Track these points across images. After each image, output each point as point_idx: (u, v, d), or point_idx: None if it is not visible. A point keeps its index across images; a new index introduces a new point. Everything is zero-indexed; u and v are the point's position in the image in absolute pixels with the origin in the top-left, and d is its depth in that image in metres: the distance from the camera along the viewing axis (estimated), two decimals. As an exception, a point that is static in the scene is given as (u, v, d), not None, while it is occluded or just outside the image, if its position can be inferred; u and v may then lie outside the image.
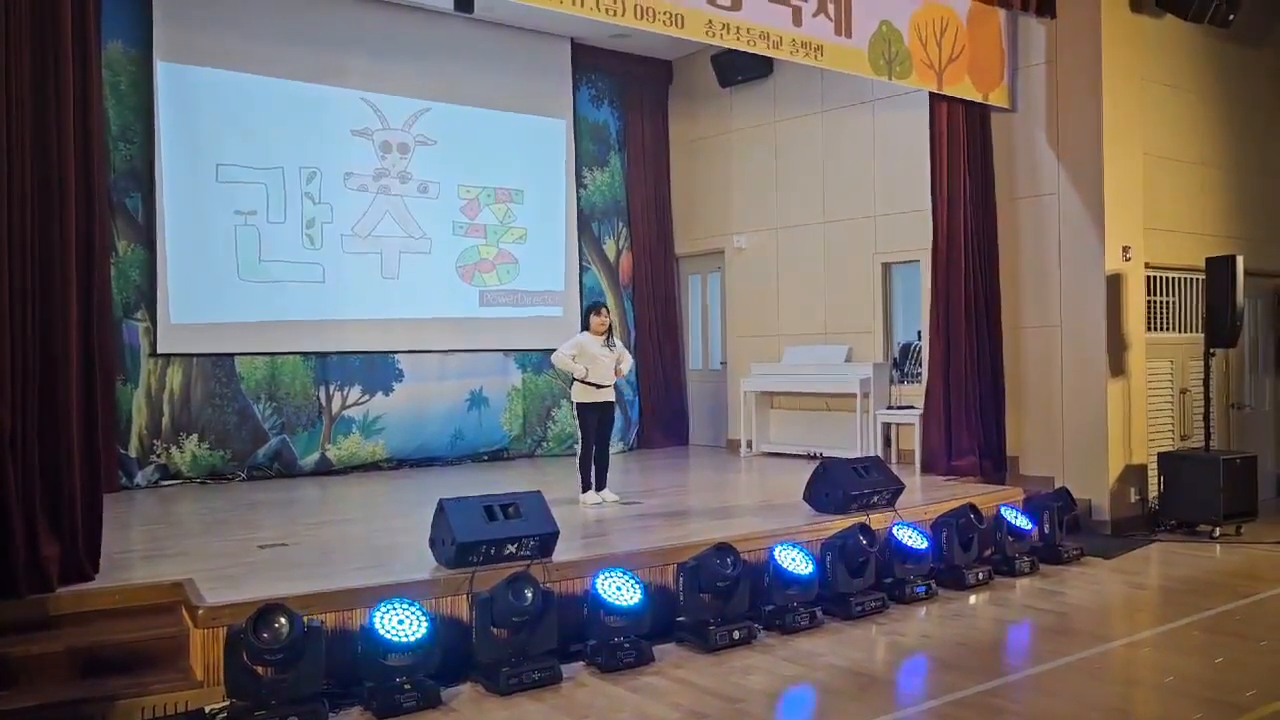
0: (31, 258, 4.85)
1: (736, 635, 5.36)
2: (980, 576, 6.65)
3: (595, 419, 7.61)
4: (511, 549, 5.27)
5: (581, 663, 5.06)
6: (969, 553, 6.75)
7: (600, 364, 7.54)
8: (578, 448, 7.78)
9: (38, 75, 4.92)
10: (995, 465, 8.58)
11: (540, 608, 4.85)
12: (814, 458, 9.37)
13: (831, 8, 7.45)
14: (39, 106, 4.92)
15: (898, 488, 7.04)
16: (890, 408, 9.72)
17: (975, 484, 8.27)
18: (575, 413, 7.71)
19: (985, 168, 8.78)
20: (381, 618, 4.50)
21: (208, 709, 4.35)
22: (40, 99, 4.93)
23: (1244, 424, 9.72)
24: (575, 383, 7.62)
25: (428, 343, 10.31)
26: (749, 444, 10.86)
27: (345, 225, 9.86)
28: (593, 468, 7.63)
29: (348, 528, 7.00)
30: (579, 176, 11.55)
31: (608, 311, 7.78)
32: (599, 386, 7.56)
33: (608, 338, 7.66)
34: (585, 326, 7.68)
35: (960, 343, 8.60)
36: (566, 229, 11.36)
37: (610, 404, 7.70)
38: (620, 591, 5.13)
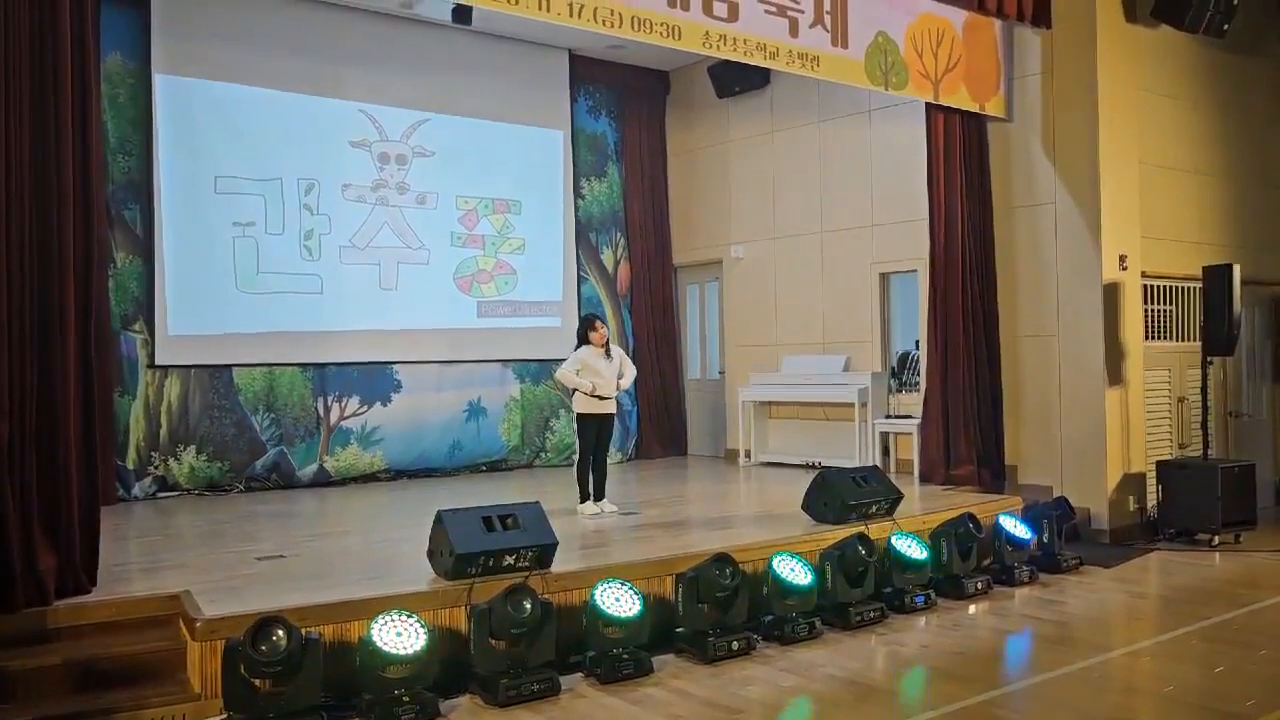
0: (30, 269, 4.86)
1: (735, 646, 5.34)
2: (979, 586, 6.64)
3: (595, 430, 7.62)
4: (510, 560, 5.26)
5: (580, 674, 5.05)
6: (968, 562, 6.74)
7: (604, 377, 7.57)
8: (575, 458, 7.78)
9: (37, 87, 4.93)
10: (994, 474, 8.58)
11: (539, 619, 4.84)
12: (812, 467, 9.37)
13: (828, 19, 7.48)
14: (38, 118, 4.93)
15: (896, 497, 7.04)
16: (888, 417, 9.72)
17: (974, 493, 8.26)
18: (575, 422, 7.72)
19: (982, 177, 8.80)
20: (380, 629, 4.49)
21: (205, 722, 4.34)
22: (39, 111, 4.94)
23: (1242, 432, 9.73)
24: (577, 394, 7.63)
25: (426, 353, 10.31)
26: (747, 454, 10.86)
27: (343, 236, 9.87)
28: (590, 478, 7.63)
29: (346, 539, 7.00)
30: (577, 187, 11.57)
31: (604, 323, 7.79)
32: (602, 398, 7.59)
33: (607, 349, 7.67)
34: (584, 340, 7.69)
35: (958, 352, 8.61)
36: (564, 239, 11.37)
37: (611, 415, 7.73)
38: (619, 602, 5.12)
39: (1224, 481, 8.00)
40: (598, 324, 7.70)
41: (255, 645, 4.19)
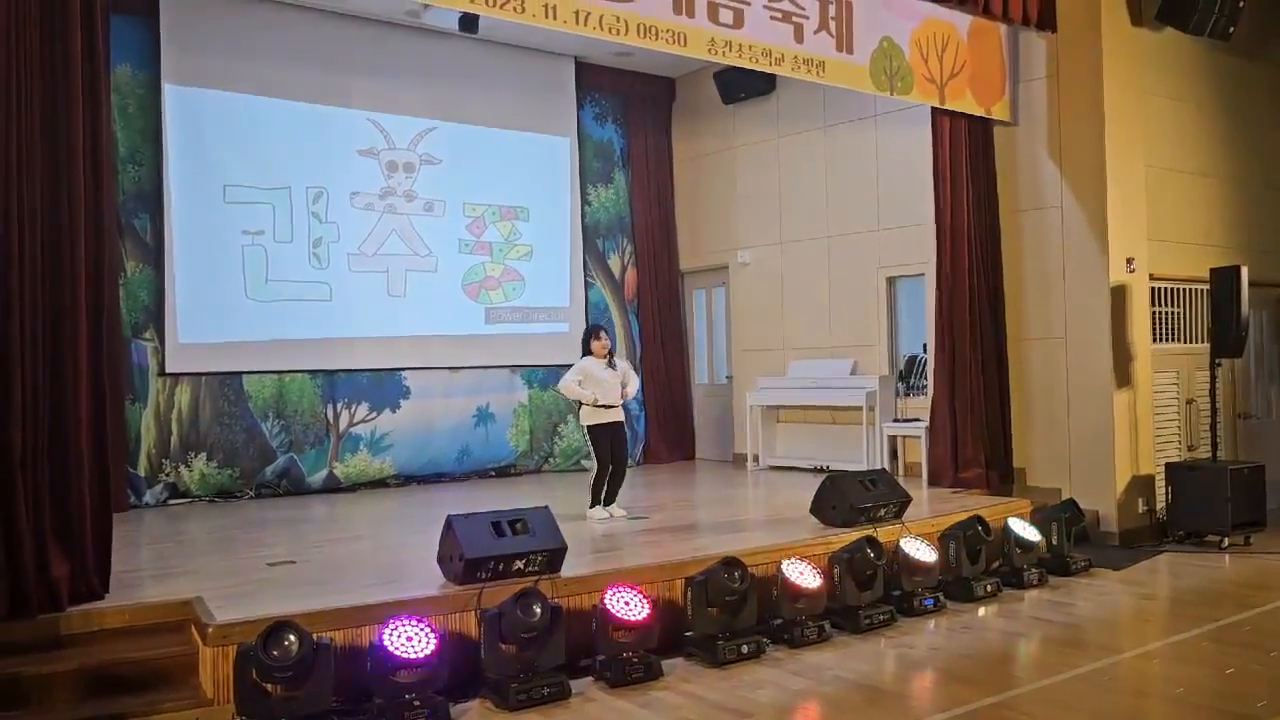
0: (41, 278, 4.89)
1: (745, 649, 5.35)
2: (988, 588, 6.64)
3: (608, 439, 7.65)
4: (519, 565, 5.28)
5: (590, 678, 5.06)
6: (977, 565, 6.74)
7: (606, 386, 7.60)
8: (590, 465, 7.81)
9: (47, 98, 4.98)
10: (1002, 477, 8.57)
11: (549, 623, 4.86)
12: (821, 471, 9.36)
13: (833, 24, 7.50)
14: (49, 129, 4.98)
15: (905, 500, 7.05)
16: (896, 420, 9.72)
17: (982, 496, 8.26)
18: (587, 436, 7.75)
19: (988, 181, 8.80)
20: (390, 634, 4.51)
21: (218, 727, 4.36)
22: (50, 122, 4.98)
23: (1251, 434, 9.70)
24: (583, 405, 7.66)
25: (434, 360, 10.35)
26: (755, 458, 10.86)
27: (352, 244, 9.91)
28: (605, 485, 7.66)
29: (356, 545, 7.02)
30: (583, 193, 11.60)
31: (607, 333, 7.82)
32: (608, 408, 7.61)
33: (610, 359, 7.71)
34: (586, 351, 7.72)
35: (965, 355, 8.61)
36: (571, 246, 11.40)
37: (620, 423, 7.77)
38: (628, 606, 5.13)
39: (1233, 483, 7.98)
40: (601, 334, 7.75)
41: (267, 650, 4.21)
